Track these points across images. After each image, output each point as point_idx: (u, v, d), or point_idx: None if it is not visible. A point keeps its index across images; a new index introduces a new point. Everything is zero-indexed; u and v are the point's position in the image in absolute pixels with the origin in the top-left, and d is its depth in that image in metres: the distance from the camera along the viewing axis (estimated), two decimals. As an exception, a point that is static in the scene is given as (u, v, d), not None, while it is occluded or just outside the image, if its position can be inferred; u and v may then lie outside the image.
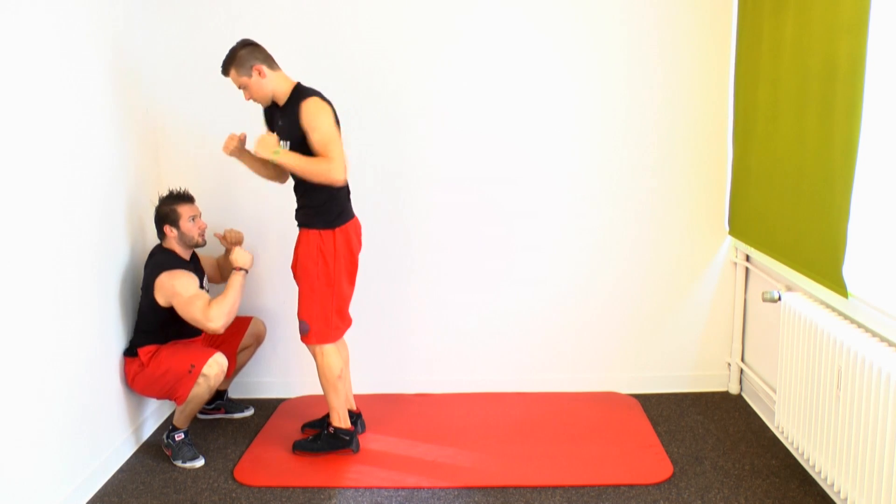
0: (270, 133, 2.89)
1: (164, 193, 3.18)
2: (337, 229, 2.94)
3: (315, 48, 3.44)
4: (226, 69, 2.85)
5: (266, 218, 3.59)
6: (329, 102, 2.89)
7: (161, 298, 3.03)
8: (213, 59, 3.43)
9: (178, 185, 3.50)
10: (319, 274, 2.95)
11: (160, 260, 3.09)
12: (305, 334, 3.00)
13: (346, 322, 3.12)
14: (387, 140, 3.51)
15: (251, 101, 2.92)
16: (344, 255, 2.97)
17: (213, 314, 2.96)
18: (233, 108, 3.49)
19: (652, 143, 3.49)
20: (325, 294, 2.97)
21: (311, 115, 2.80)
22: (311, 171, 2.82)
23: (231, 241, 3.32)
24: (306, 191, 2.93)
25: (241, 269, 3.09)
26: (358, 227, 3.08)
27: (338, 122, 2.93)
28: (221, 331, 3.00)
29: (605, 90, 3.46)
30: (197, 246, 3.16)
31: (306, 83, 2.98)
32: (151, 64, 3.48)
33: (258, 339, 3.49)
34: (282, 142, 2.89)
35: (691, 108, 3.45)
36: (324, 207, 2.92)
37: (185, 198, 3.15)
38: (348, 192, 3.02)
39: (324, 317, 2.98)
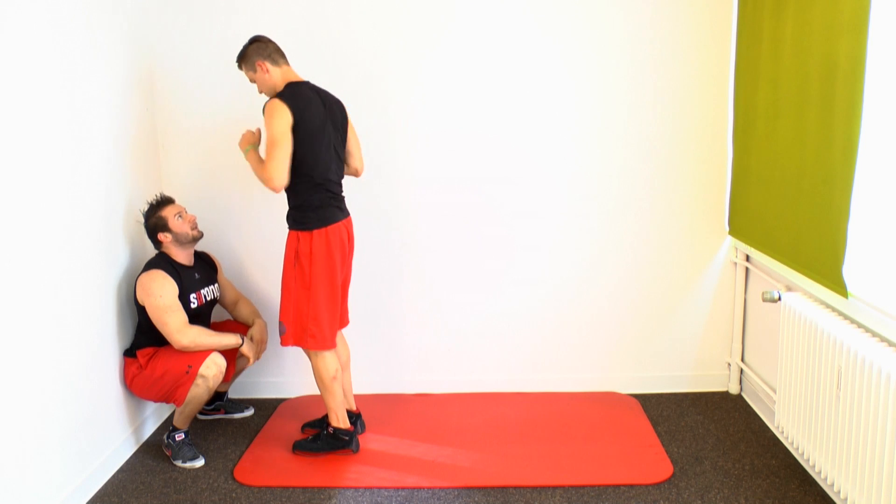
0: (258, 130, 3.01)
1: (144, 208, 3.20)
2: (315, 232, 2.89)
3: (314, 47, 3.44)
4: (238, 64, 2.95)
5: (265, 219, 3.59)
6: (298, 102, 2.80)
7: (139, 298, 3.05)
8: (215, 58, 3.44)
9: (178, 186, 3.52)
10: (295, 276, 2.93)
11: (150, 262, 3.11)
12: (281, 336, 3.00)
13: (325, 331, 2.97)
14: (386, 140, 3.51)
15: (263, 95, 2.98)
16: (322, 260, 2.90)
17: (190, 333, 2.98)
18: (234, 108, 3.49)
19: (652, 143, 3.49)
20: (300, 297, 2.94)
21: (265, 118, 2.80)
22: (257, 175, 2.88)
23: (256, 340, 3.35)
24: (287, 192, 2.94)
25: (240, 346, 3.16)
26: (343, 232, 2.97)
27: (333, 121, 2.90)
28: (179, 348, 2.99)
29: (605, 90, 3.46)
30: (195, 239, 3.15)
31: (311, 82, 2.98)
32: (153, 63, 3.48)
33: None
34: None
35: (691, 107, 3.45)
36: (300, 209, 2.90)
37: (163, 202, 3.15)
38: (332, 195, 2.94)
39: (298, 320, 2.96)
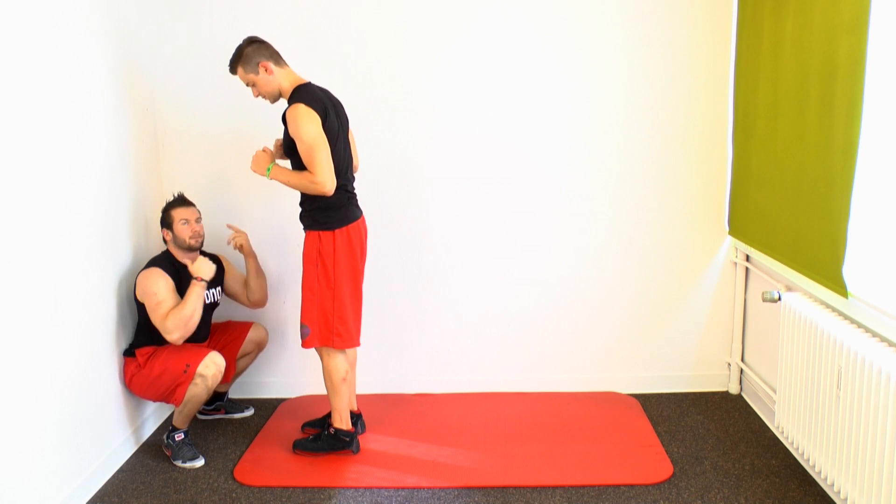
0: (266, 149, 2.95)
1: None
2: (337, 231, 2.90)
3: (316, 48, 3.44)
4: (233, 67, 2.85)
5: (266, 219, 3.59)
6: (321, 104, 2.79)
7: (137, 295, 3.06)
8: (214, 58, 3.44)
9: (178, 186, 3.53)
10: (319, 276, 2.93)
11: (152, 260, 3.12)
12: (305, 338, 2.97)
13: (351, 329, 2.99)
14: (386, 140, 3.51)
15: (260, 98, 2.87)
16: (345, 258, 2.92)
17: (169, 324, 2.96)
18: (234, 107, 3.49)
19: (652, 143, 3.49)
20: (324, 297, 2.94)
21: (294, 124, 2.75)
22: (300, 187, 2.84)
23: (237, 244, 3.34)
24: (304, 193, 2.93)
25: (199, 279, 3.05)
26: (361, 230, 3.01)
27: (340, 121, 2.91)
28: (179, 342, 2.99)
29: (605, 90, 3.46)
30: (190, 249, 3.15)
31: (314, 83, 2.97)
32: (152, 63, 3.48)
33: (259, 346, 3.47)
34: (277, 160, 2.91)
35: (691, 107, 3.45)
36: (321, 209, 2.90)
37: (179, 202, 3.19)
38: (350, 194, 2.97)
39: (324, 320, 2.95)
